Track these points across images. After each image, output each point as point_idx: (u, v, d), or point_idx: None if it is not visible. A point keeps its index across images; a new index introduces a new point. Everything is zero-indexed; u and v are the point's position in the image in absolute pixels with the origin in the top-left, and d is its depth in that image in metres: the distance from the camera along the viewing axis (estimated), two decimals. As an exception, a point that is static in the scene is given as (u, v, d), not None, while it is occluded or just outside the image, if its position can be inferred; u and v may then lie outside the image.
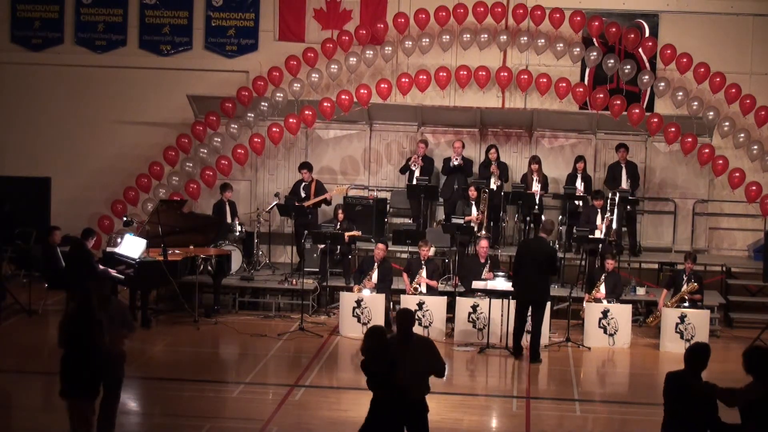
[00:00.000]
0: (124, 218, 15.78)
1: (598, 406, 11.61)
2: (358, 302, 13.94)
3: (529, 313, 13.00)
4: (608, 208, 15.28)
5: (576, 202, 15.84)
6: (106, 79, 18.04)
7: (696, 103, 16.64)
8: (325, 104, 16.64)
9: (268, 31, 17.92)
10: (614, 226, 15.21)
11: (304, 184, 16.31)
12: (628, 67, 16.87)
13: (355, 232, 15.32)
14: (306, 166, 16.44)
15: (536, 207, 15.93)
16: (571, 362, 13.08)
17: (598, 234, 15.16)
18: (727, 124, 16.59)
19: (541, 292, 13.05)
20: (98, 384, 8.71)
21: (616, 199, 15.37)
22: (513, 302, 13.21)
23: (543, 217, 15.48)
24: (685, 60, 16.76)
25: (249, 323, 14.64)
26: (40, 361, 11.94)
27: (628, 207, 15.77)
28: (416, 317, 13.81)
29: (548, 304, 13.53)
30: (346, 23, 17.63)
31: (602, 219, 15.25)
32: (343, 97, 16.63)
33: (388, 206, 16.88)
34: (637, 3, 17.39)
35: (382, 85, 16.88)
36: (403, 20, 17.17)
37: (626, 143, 16.37)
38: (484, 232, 15.18)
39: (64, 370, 8.63)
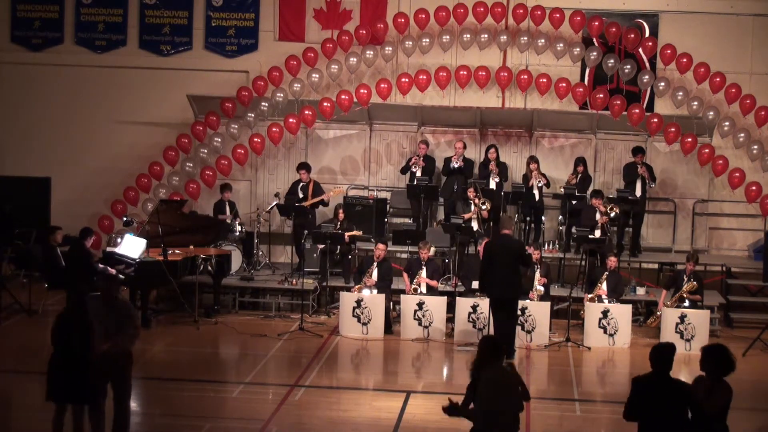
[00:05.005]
0: (124, 218, 15.77)
1: (598, 406, 11.61)
2: (358, 302, 13.93)
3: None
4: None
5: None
6: (106, 79, 18.03)
7: (696, 103, 16.64)
8: (325, 104, 16.64)
9: (268, 31, 17.92)
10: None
11: (302, 184, 16.31)
12: (628, 67, 16.87)
13: (355, 232, 15.33)
14: (304, 166, 16.44)
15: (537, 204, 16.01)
16: (571, 362, 13.08)
17: (597, 233, 15.19)
18: (727, 124, 16.59)
19: (514, 289, 12.94)
20: (86, 388, 8.70)
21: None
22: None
23: (508, 215, 15.46)
24: (685, 60, 16.75)
25: (249, 323, 14.64)
26: (40, 361, 11.80)
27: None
28: (416, 317, 13.85)
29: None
30: (346, 23, 17.63)
31: (601, 218, 15.27)
32: (343, 97, 16.63)
33: (388, 206, 16.87)
34: (637, 3, 17.38)
35: (382, 85, 16.88)
36: (403, 20, 17.17)
37: (641, 146, 16.32)
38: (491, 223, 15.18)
39: (51, 373, 8.67)
